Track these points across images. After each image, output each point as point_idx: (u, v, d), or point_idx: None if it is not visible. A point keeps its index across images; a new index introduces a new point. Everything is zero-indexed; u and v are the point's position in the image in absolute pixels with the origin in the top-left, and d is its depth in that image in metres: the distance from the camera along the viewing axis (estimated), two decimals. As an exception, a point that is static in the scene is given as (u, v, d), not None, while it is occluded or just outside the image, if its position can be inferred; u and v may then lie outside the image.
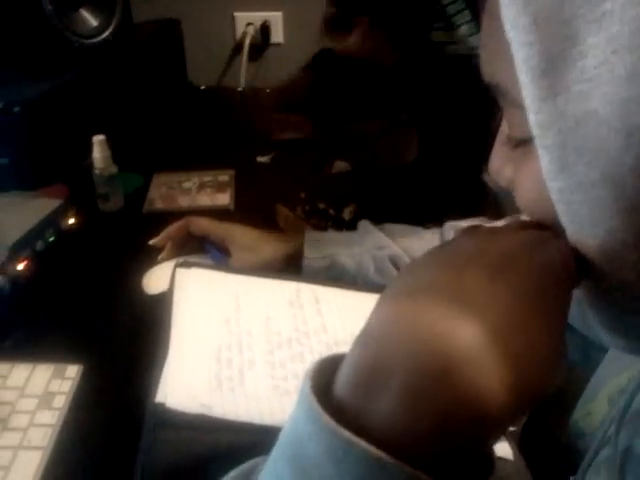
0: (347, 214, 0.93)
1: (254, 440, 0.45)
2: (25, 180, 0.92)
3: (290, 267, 0.72)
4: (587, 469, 0.45)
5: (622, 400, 0.42)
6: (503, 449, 0.49)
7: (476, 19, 0.89)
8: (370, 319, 0.27)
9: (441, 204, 0.90)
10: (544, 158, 0.28)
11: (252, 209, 0.96)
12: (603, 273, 0.29)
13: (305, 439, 0.25)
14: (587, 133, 0.26)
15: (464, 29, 0.93)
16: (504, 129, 0.34)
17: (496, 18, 0.28)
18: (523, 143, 0.31)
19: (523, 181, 0.32)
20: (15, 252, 0.75)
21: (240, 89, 1.56)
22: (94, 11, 1.11)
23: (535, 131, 0.27)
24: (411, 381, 0.24)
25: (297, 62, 1.57)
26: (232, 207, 0.97)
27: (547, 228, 0.31)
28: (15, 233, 0.77)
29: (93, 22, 1.11)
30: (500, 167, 0.35)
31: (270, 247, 0.73)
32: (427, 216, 0.80)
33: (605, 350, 0.52)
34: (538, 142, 0.28)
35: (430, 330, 0.25)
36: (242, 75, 1.59)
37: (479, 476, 0.27)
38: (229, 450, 0.44)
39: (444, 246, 0.32)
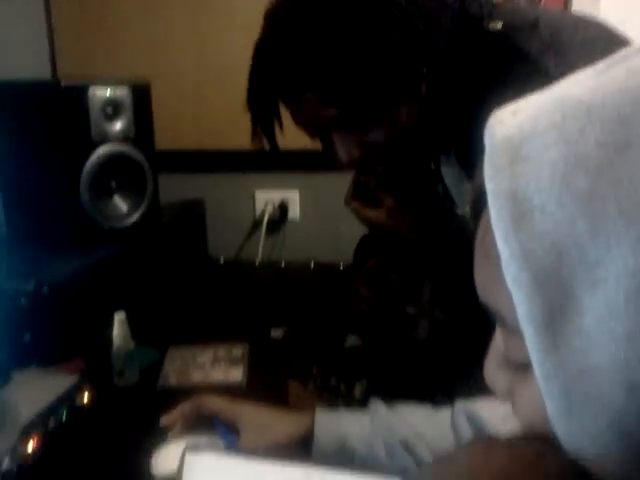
0: (358, 391, 0.93)
1: None
2: (45, 356, 0.95)
3: (301, 446, 0.71)
4: None
5: None
6: None
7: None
8: None
9: (452, 377, 0.90)
10: (550, 403, 0.28)
11: (264, 384, 0.97)
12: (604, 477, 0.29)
13: None
14: (590, 386, 0.27)
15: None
16: (499, 345, 0.35)
17: (491, 255, 0.30)
18: (521, 367, 0.32)
19: (521, 400, 0.33)
20: (27, 433, 0.75)
21: (257, 262, 1.64)
22: (126, 197, 1.21)
23: (539, 377, 0.28)
24: None
25: (312, 237, 1.67)
26: (244, 383, 0.98)
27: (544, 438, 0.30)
28: (29, 412, 0.78)
29: (124, 207, 1.21)
30: (495, 376, 0.35)
31: (280, 427, 0.73)
32: (438, 388, 0.79)
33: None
34: (543, 388, 0.28)
35: None
36: (260, 249, 1.67)
37: None
38: None
39: (439, 467, 0.31)
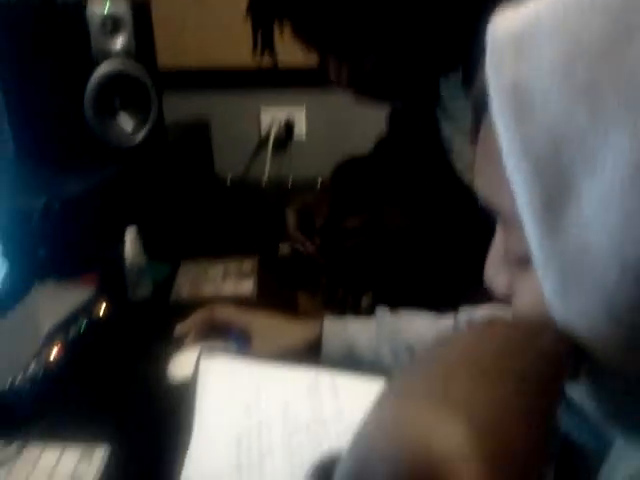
0: (365, 302, 0.96)
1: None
2: (61, 270, 0.98)
3: (310, 353, 0.75)
4: None
5: None
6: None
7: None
8: (363, 421, 0.29)
9: (457, 286, 0.92)
10: (546, 284, 0.30)
11: (274, 296, 1.00)
12: (599, 360, 0.31)
13: None
14: (586, 267, 0.28)
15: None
16: (499, 243, 0.36)
17: (492, 151, 0.31)
18: (521, 261, 0.33)
19: (521, 296, 0.34)
20: (49, 340, 0.79)
21: (264, 181, 1.65)
22: (130, 116, 1.21)
23: (537, 260, 0.30)
24: None
25: (318, 155, 1.66)
26: (255, 295, 1.02)
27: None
28: (50, 322, 0.82)
29: (129, 126, 1.20)
30: (495, 275, 0.37)
31: (290, 334, 0.76)
32: (443, 299, 0.82)
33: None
34: (540, 270, 0.30)
35: (410, 432, 0.27)
36: (267, 168, 1.67)
37: None
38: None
39: (436, 348, 0.33)
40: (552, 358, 0.31)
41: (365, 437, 0.28)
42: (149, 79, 1.20)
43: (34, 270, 0.91)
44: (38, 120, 1.17)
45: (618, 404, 0.33)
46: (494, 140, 0.30)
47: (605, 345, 0.30)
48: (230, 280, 1.05)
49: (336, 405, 0.62)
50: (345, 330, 0.75)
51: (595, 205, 0.27)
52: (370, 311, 0.89)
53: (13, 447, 0.65)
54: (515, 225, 0.31)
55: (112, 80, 1.14)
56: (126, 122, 1.21)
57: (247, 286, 1.03)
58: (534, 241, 0.30)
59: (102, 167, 1.14)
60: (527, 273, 0.32)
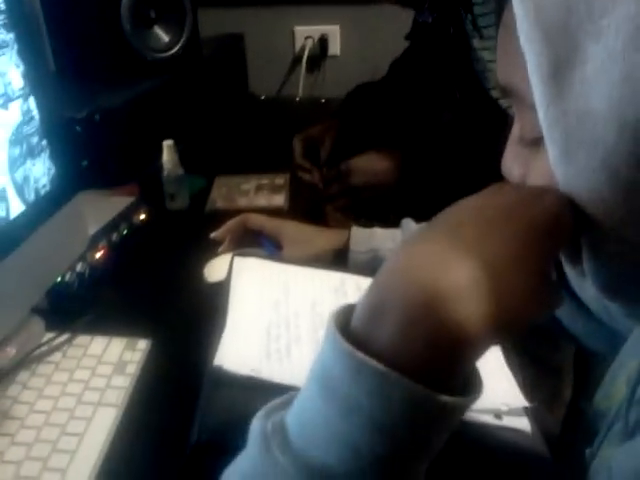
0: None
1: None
2: (103, 180, 1.03)
3: (337, 260, 0.78)
4: (602, 442, 0.50)
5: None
6: (522, 423, 0.54)
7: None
8: (380, 269, 0.33)
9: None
10: (551, 149, 0.33)
11: (305, 209, 1.03)
12: (598, 224, 0.33)
13: (330, 363, 0.32)
14: (587, 128, 0.31)
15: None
16: (515, 131, 0.39)
17: (512, 31, 0.33)
18: (534, 142, 0.36)
19: (533, 176, 0.37)
20: (94, 243, 0.85)
21: (298, 99, 1.65)
22: (166, 29, 1.22)
23: (544, 126, 0.32)
24: (405, 311, 0.31)
25: (353, 73, 1.65)
26: (286, 207, 1.05)
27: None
28: (94, 226, 0.87)
29: (165, 38, 1.21)
30: (511, 165, 0.40)
31: (319, 241, 0.80)
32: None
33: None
34: (546, 135, 0.32)
35: (422, 270, 0.31)
36: (300, 86, 1.67)
37: (465, 392, 0.33)
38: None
39: (450, 208, 0.36)
40: (554, 215, 0.33)
41: (381, 277, 0.33)
42: (183, -10, 1.20)
43: (77, 179, 0.96)
44: (76, 34, 1.19)
45: (619, 276, 0.35)
46: (513, 16, 0.32)
47: (605, 206, 0.32)
48: (262, 194, 1.09)
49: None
50: (371, 238, 0.78)
51: (598, 68, 0.29)
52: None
53: (65, 336, 0.71)
54: (529, 104, 0.33)
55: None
56: (162, 34, 1.22)
57: (279, 199, 1.07)
58: (541, 105, 0.32)
59: (140, 80, 1.16)
60: (539, 154, 0.35)
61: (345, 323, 0.34)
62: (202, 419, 0.52)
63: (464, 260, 0.31)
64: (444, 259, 0.31)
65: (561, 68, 0.31)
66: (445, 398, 0.31)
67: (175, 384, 0.65)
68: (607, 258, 0.35)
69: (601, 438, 0.49)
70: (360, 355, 0.30)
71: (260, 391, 0.52)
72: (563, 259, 0.39)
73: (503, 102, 1.01)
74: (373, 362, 0.30)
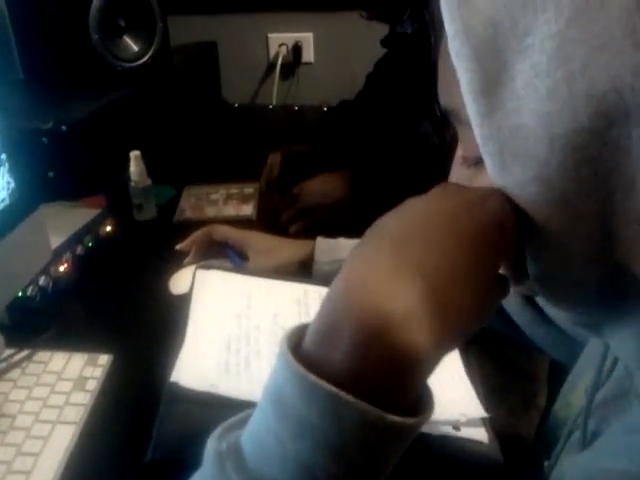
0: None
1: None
2: (68, 191, 1.02)
3: (302, 271, 0.78)
4: (560, 453, 0.50)
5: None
6: (479, 434, 0.54)
7: None
8: (330, 288, 0.33)
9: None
10: (488, 163, 0.33)
11: (274, 218, 1.03)
12: (538, 231, 0.33)
13: (282, 383, 0.32)
14: (520, 142, 0.31)
15: None
16: (459, 152, 0.40)
17: (446, 59, 0.34)
18: (476, 161, 0.36)
19: None
20: (58, 255, 0.84)
21: (271, 106, 1.65)
22: (135, 37, 1.21)
23: (479, 141, 0.33)
24: (355, 335, 0.30)
25: (326, 80, 1.66)
26: (255, 217, 1.05)
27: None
28: (58, 238, 0.86)
29: (134, 48, 1.21)
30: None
31: (284, 252, 0.80)
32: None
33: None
34: (482, 150, 0.33)
35: (369, 293, 0.31)
36: (274, 93, 1.67)
37: (418, 411, 0.33)
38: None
39: (393, 213, 0.36)
40: (498, 221, 0.33)
41: (331, 298, 0.33)
42: (153, -1, 1.20)
43: (43, 191, 0.95)
44: (45, 44, 1.18)
45: (562, 282, 0.36)
46: (447, 43, 0.33)
47: (543, 215, 0.33)
48: (232, 203, 1.08)
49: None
50: (336, 248, 0.78)
51: (526, 84, 0.30)
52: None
53: (24, 352, 0.70)
54: (466, 123, 0.34)
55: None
56: (132, 44, 1.21)
57: (247, 209, 1.06)
58: (475, 121, 0.32)
59: (109, 90, 1.15)
60: (481, 174, 0.35)
61: (297, 343, 0.33)
62: (157, 436, 0.51)
63: (410, 279, 0.31)
64: (390, 279, 0.31)
65: (492, 85, 0.31)
66: (397, 419, 0.31)
67: (135, 400, 0.64)
68: (549, 265, 0.35)
69: (559, 450, 0.50)
70: (312, 377, 0.30)
71: (217, 407, 0.51)
72: (506, 269, 0.39)
73: None
74: (325, 384, 0.30)
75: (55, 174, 1.02)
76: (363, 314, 0.31)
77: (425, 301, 0.31)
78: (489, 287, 0.34)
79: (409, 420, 0.31)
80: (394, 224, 0.35)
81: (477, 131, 0.33)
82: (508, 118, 0.31)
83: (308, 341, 0.33)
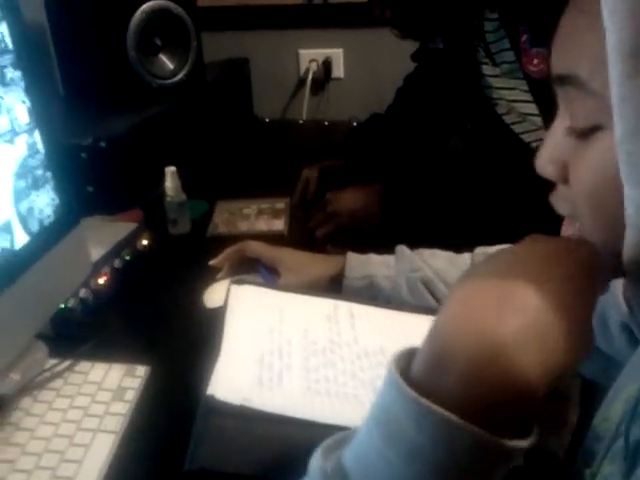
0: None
1: (285, 430, 0.54)
2: (106, 206, 1.05)
3: (332, 286, 0.80)
4: (602, 461, 0.50)
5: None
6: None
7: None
8: (438, 317, 0.35)
9: (473, 231, 0.96)
10: (620, 126, 0.33)
11: (304, 235, 1.05)
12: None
13: (393, 408, 0.33)
14: None
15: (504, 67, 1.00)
16: (560, 124, 0.39)
17: (583, 13, 0.34)
18: (585, 133, 0.36)
19: (580, 170, 0.38)
20: (97, 269, 0.87)
21: (302, 121, 1.67)
22: (171, 56, 1.25)
23: (615, 102, 0.32)
24: (467, 362, 0.32)
25: (356, 95, 1.68)
26: (286, 232, 1.07)
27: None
28: (97, 252, 0.89)
29: (170, 65, 1.25)
30: (549, 160, 0.40)
31: (315, 268, 0.82)
32: (459, 241, 0.86)
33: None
34: (616, 111, 0.32)
35: (481, 320, 0.33)
36: (304, 108, 1.70)
37: (524, 435, 0.34)
38: (263, 437, 0.52)
39: (492, 256, 0.38)
40: (588, 269, 0.35)
41: (441, 325, 0.34)
42: (188, 16, 1.24)
43: (82, 205, 0.98)
44: (86, 62, 1.22)
45: None
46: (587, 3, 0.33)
47: None
48: (263, 218, 1.11)
49: (351, 333, 0.67)
50: (367, 264, 0.79)
51: None
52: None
53: (67, 363, 0.73)
54: (589, 89, 0.34)
55: (153, 19, 1.18)
56: (167, 61, 1.25)
57: (279, 224, 1.09)
58: (616, 80, 0.32)
59: (145, 107, 1.19)
60: (590, 146, 0.36)
61: (406, 368, 0.35)
62: (194, 448, 0.53)
63: (516, 317, 0.33)
64: (500, 307, 0.33)
65: None
66: (509, 443, 0.32)
67: (172, 411, 0.66)
68: None
69: (601, 458, 0.50)
70: (425, 401, 0.32)
71: (250, 420, 0.54)
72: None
73: (516, 127, 1.04)
74: (438, 408, 0.31)
75: (94, 189, 1.06)
76: (472, 339, 0.32)
77: (534, 329, 0.32)
78: (588, 323, 0.36)
79: (520, 443, 0.33)
80: (497, 259, 0.37)
81: (615, 90, 0.32)
82: None
83: (417, 366, 0.34)
